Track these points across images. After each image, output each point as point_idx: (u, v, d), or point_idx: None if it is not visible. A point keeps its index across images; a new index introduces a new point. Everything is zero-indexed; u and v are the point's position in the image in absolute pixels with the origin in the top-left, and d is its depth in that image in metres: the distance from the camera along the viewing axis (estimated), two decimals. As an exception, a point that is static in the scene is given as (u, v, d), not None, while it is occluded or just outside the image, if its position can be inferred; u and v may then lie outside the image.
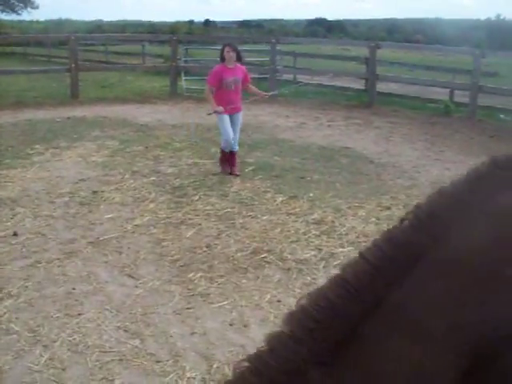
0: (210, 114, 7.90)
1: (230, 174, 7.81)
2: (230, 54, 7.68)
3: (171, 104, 14.15)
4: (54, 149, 9.33)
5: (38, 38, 28.08)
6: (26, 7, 46.35)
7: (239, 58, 7.89)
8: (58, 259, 5.23)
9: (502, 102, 14.33)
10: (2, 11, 46.60)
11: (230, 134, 7.68)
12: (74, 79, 14.79)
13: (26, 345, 3.88)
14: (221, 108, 7.60)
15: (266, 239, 5.63)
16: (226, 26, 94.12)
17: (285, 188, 7.27)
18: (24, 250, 5.44)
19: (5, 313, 4.28)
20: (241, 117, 8.02)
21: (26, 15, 48.48)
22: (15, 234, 5.79)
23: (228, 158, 7.89)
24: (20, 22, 56.90)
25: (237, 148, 7.97)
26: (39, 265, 5.12)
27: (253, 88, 8.32)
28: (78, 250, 5.42)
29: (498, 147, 10.50)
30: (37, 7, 46.49)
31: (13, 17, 48.85)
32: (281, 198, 6.84)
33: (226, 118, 7.71)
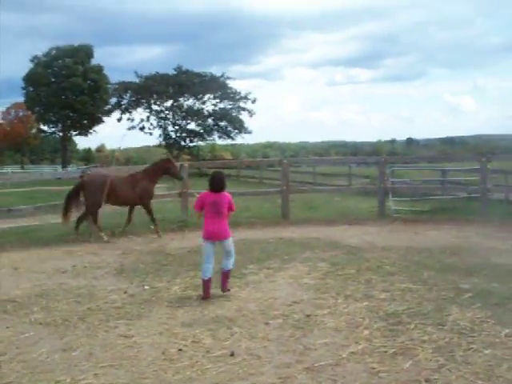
0: None
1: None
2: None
3: (380, 225, 14.15)
4: (266, 269, 9.66)
5: (253, 163, 29.95)
6: (240, 133, 50.13)
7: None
8: (274, 384, 5.27)
9: None
10: (219, 137, 50.83)
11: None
12: (285, 200, 15.45)
13: None
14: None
15: (491, 377, 5.22)
16: (429, 144, 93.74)
17: (507, 318, 6.77)
18: (241, 371, 5.56)
19: None
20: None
21: (239, 139, 52.22)
22: (232, 355, 5.97)
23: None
24: (233, 145, 61.53)
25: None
26: (256, 388, 5.19)
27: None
28: (293, 376, 5.42)
29: None
30: (250, 132, 50.03)
31: (227, 141, 53.01)
32: (503, 331, 6.37)
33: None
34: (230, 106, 51.23)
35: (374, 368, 5.50)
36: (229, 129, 50.48)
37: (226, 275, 8.40)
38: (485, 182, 15.05)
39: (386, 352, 5.88)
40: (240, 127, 50.45)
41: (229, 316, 7.28)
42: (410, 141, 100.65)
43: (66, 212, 13.32)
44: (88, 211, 13.41)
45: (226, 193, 8.33)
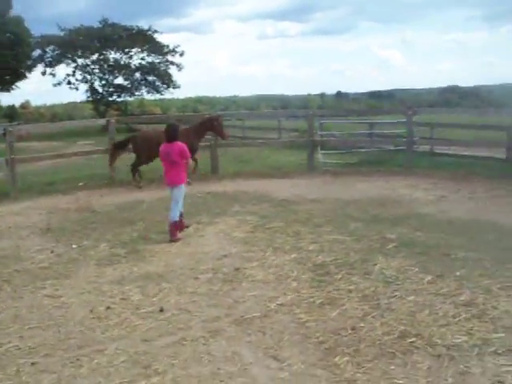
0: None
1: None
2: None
3: (309, 178, 14.29)
4: (196, 224, 9.64)
5: (182, 118, 29.59)
6: (168, 88, 49.23)
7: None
8: (203, 337, 5.29)
9: None
10: (148, 92, 49.84)
11: None
12: (214, 155, 15.37)
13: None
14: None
15: (413, 322, 5.40)
16: (358, 98, 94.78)
17: (430, 266, 7.00)
18: (170, 326, 5.58)
19: (155, 392, 4.35)
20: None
21: (168, 94, 51.23)
22: (161, 310, 5.96)
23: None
24: (161, 100, 60.42)
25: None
26: (185, 342, 5.21)
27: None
28: (222, 329, 5.46)
29: None
30: (178, 87, 49.21)
31: (156, 96, 51.98)
32: (426, 277, 6.58)
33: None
34: (158, 60, 50.06)
35: (301, 318, 5.61)
36: (157, 83, 49.40)
37: (172, 226, 8.89)
38: (411, 134, 15.34)
39: (313, 302, 5.99)
40: (168, 82, 49.39)
41: (158, 272, 7.26)
42: (339, 94, 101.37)
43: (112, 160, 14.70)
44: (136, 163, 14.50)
45: (178, 143, 8.96)
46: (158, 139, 13.15)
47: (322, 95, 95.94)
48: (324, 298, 6.07)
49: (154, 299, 6.30)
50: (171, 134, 8.97)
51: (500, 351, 4.81)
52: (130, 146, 14.72)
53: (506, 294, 6.07)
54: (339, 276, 6.74)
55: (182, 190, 9.03)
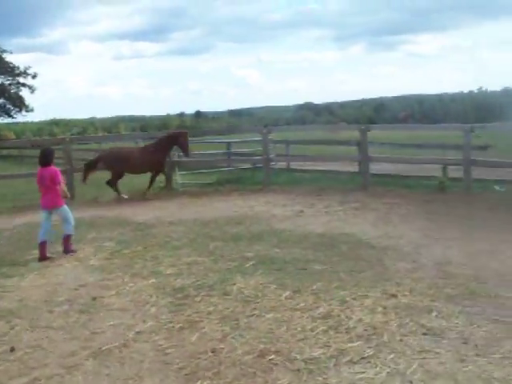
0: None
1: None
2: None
3: (167, 200, 14.19)
4: (51, 253, 9.24)
5: (35, 142, 28.51)
6: (20, 111, 47.26)
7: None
8: (59, 375, 5.03)
9: (496, 173, 14.45)
10: (-1, 116, 47.52)
11: None
12: (70, 180, 14.87)
13: None
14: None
15: (272, 339, 5.45)
16: (217, 117, 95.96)
17: (287, 282, 7.12)
18: (22, 366, 5.24)
19: None
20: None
21: (21, 118, 49.24)
22: (12, 350, 5.61)
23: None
24: (15, 124, 57.90)
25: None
26: (39, 382, 4.91)
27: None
28: (79, 364, 5.22)
29: (497, 219, 10.48)
30: (32, 110, 47.35)
31: (8, 120, 49.76)
32: (284, 293, 6.68)
33: None
34: (8, 82, 48.02)
35: (161, 345, 5.48)
36: (8, 106, 47.34)
37: (65, 240, 9.25)
38: (267, 152, 15.68)
39: (173, 327, 5.89)
40: (21, 104, 47.51)
41: (10, 308, 6.84)
42: (198, 114, 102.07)
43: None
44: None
45: (52, 167, 9.22)
46: (126, 155, 15.08)
47: (181, 115, 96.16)
48: (183, 322, 5.99)
49: (4, 338, 5.91)
50: (44, 159, 9.17)
51: (355, 360, 4.96)
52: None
53: (359, 303, 6.30)
54: (198, 298, 6.68)
55: (65, 209, 9.32)
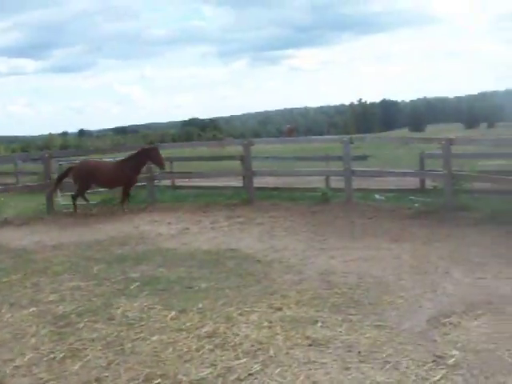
0: None
1: None
2: None
3: (49, 223, 13.70)
4: None
5: None
6: None
7: None
8: None
9: (374, 183, 15.04)
10: None
11: None
12: None
13: None
14: None
15: (158, 362, 5.36)
16: (102, 135, 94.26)
17: (173, 302, 7.04)
18: None
19: None
20: None
21: None
22: None
23: None
24: None
25: None
26: None
27: None
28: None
29: (377, 227, 10.89)
30: None
31: None
32: (170, 314, 6.60)
33: None
34: None
35: (41, 378, 5.24)
36: None
37: None
38: (150, 170, 15.52)
39: (54, 358, 5.64)
40: None
41: None
42: (82, 132, 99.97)
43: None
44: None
45: None
46: (96, 168, 14.90)
47: (65, 134, 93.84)
48: (66, 352, 5.75)
49: None
50: None
51: (242, 377, 4.97)
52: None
53: (245, 319, 6.32)
54: (81, 325, 6.46)
55: None
